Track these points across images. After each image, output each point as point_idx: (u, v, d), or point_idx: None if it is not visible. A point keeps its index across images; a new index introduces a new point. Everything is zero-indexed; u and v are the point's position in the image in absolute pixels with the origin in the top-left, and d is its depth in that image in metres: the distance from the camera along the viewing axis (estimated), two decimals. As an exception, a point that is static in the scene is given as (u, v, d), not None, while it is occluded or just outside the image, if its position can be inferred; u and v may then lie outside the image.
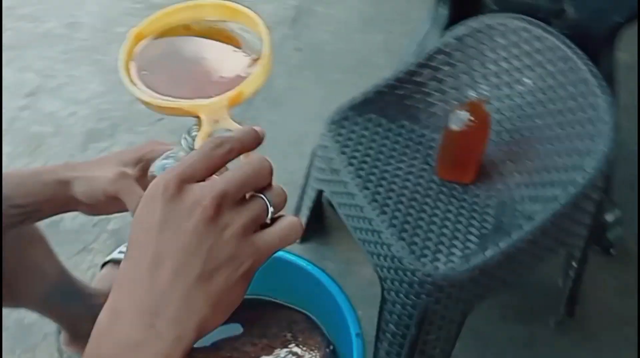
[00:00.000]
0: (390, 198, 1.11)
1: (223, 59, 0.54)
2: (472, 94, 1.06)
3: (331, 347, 0.97)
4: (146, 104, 0.50)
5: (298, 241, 1.30)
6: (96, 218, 1.40)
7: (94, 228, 1.39)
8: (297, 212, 1.41)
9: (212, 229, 0.37)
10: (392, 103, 1.25)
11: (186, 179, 0.38)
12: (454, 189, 1.15)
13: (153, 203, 0.38)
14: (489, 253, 0.99)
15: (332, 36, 1.91)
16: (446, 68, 1.24)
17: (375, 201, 1.09)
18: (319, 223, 1.44)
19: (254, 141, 0.42)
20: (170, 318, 0.37)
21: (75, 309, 1.10)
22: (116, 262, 1.23)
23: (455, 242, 1.05)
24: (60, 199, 0.68)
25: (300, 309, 1.01)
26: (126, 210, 0.67)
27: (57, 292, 1.04)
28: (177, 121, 1.73)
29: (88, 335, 1.20)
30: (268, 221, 0.40)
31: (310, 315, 1.01)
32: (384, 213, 1.07)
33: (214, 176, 0.40)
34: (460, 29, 1.23)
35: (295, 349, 0.94)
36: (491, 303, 1.30)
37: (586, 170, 0.98)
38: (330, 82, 1.78)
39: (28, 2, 1.95)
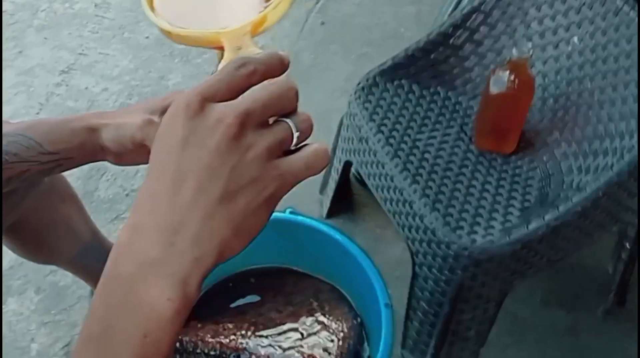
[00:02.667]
0: (423, 167, 1.02)
1: None
2: (514, 54, 0.96)
3: (358, 319, 0.90)
4: (169, 34, 0.50)
5: (324, 216, 1.20)
6: (128, 188, 1.39)
7: (126, 198, 1.40)
8: (323, 187, 1.34)
9: (235, 148, 0.35)
10: (424, 68, 1.16)
11: (208, 98, 0.36)
12: (493, 160, 1.06)
13: (175, 121, 0.36)
14: (532, 226, 0.89)
15: (359, 9, 1.82)
16: (484, 29, 1.14)
17: (407, 170, 1.00)
18: (346, 200, 1.36)
19: (279, 66, 0.39)
20: (190, 237, 0.35)
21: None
22: None
23: (495, 215, 0.96)
24: (89, 147, 0.65)
25: (327, 280, 0.94)
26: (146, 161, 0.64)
27: (89, 252, 1.04)
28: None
29: None
30: (293, 147, 0.38)
31: (337, 286, 0.93)
32: (416, 182, 0.99)
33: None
34: (500, -13, 1.13)
35: (322, 318, 0.87)
36: (533, 287, 1.21)
37: (644, 134, 0.88)
38: (358, 57, 1.70)
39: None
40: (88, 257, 1.05)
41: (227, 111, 0.35)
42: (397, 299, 1.14)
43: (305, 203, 1.38)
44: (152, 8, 0.51)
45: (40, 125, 0.68)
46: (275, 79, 0.38)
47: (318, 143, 0.39)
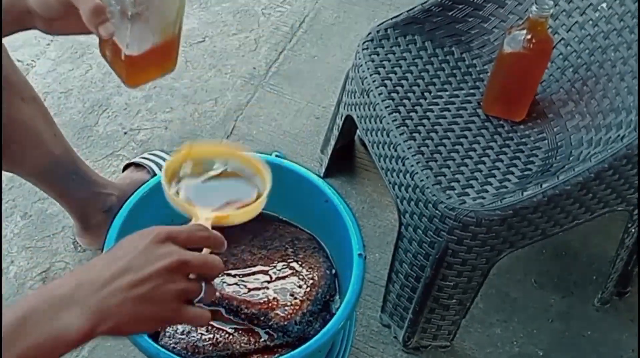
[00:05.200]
0: (422, 124, 0.96)
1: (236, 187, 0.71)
2: (533, 11, 0.89)
3: (333, 271, 0.86)
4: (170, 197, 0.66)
5: (321, 175, 1.21)
6: (127, 127, 1.37)
7: (124, 136, 1.38)
8: (324, 146, 1.29)
9: (165, 277, 0.52)
10: (441, 25, 1.09)
11: (171, 238, 0.54)
12: (500, 127, 1.00)
13: (143, 238, 0.53)
14: (527, 193, 0.83)
15: (392, -29, 1.75)
16: (509, -11, 1.07)
17: (405, 125, 0.95)
18: (347, 161, 1.32)
19: (222, 246, 0.59)
20: (108, 300, 0.50)
21: (81, 195, 1.08)
22: (137, 165, 1.21)
23: (491, 179, 0.90)
24: (16, 11, 0.64)
25: (307, 229, 0.90)
26: (83, 33, 0.63)
27: (60, 169, 1.01)
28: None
29: (98, 226, 1.18)
30: (195, 302, 0.55)
31: (316, 236, 0.89)
32: (413, 139, 0.93)
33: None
34: (531, -55, 1.05)
35: (294, 264, 0.84)
36: (528, 267, 1.14)
37: (663, 105, 0.81)
38: (382, 20, 1.63)
39: None
40: (59, 174, 1.01)
41: (176, 253, 0.53)
42: (384, 263, 1.10)
43: (305, 161, 1.33)
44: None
45: None
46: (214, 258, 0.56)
47: (207, 313, 0.55)
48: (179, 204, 0.65)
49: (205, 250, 0.58)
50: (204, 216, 0.62)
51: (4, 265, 1.15)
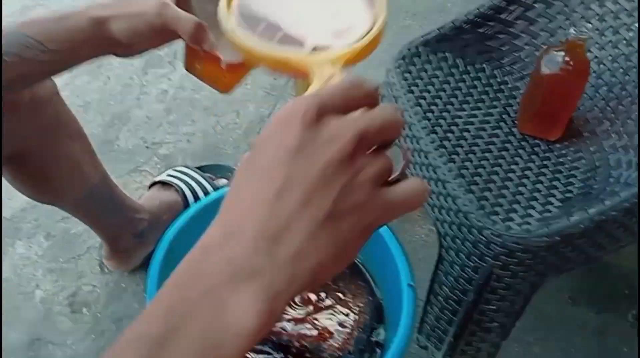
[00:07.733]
0: (460, 146, 0.96)
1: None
2: (571, 34, 0.89)
3: (376, 298, 0.85)
4: (246, 51, 0.42)
5: None
6: (149, 141, 1.35)
7: (146, 150, 1.37)
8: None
9: (348, 167, 0.33)
10: (472, 43, 1.09)
11: (326, 110, 0.34)
12: (536, 146, 0.99)
13: (289, 126, 0.33)
14: (574, 218, 0.83)
15: (405, -21, 1.74)
16: (540, 6, 1.07)
17: (443, 147, 0.95)
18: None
19: (378, 96, 0.37)
20: (291, 250, 0.32)
21: (114, 220, 1.08)
22: (163, 184, 1.18)
23: (534, 203, 0.90)
24: (95, 41, 0.65)
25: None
26: (156, 45, 0.67)
27: (96, 196, 1.01)
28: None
29: (127, 250, 1.17)
30: (392, 178, 0.36)
31: (357, 262, 0.89)
32: (452, 161, 0.93)
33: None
34: (563, -39, 1.05)
35: (336, 293, 0.83)
36: (561, 283, 1.15)
37: None
38: (398, 28, 1.63)
39: None
40: (95, 201, 1.01)
41: (345, 128, 0.34)
42: (418, 282, 1.10)
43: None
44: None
45: (39, 23, 0.66)
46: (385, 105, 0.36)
47: (417, 178, 0.36)
48: (275, 58, 0.41)
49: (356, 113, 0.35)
50: (325, 62, 0.40)
51: (28, 289, 1.13)
